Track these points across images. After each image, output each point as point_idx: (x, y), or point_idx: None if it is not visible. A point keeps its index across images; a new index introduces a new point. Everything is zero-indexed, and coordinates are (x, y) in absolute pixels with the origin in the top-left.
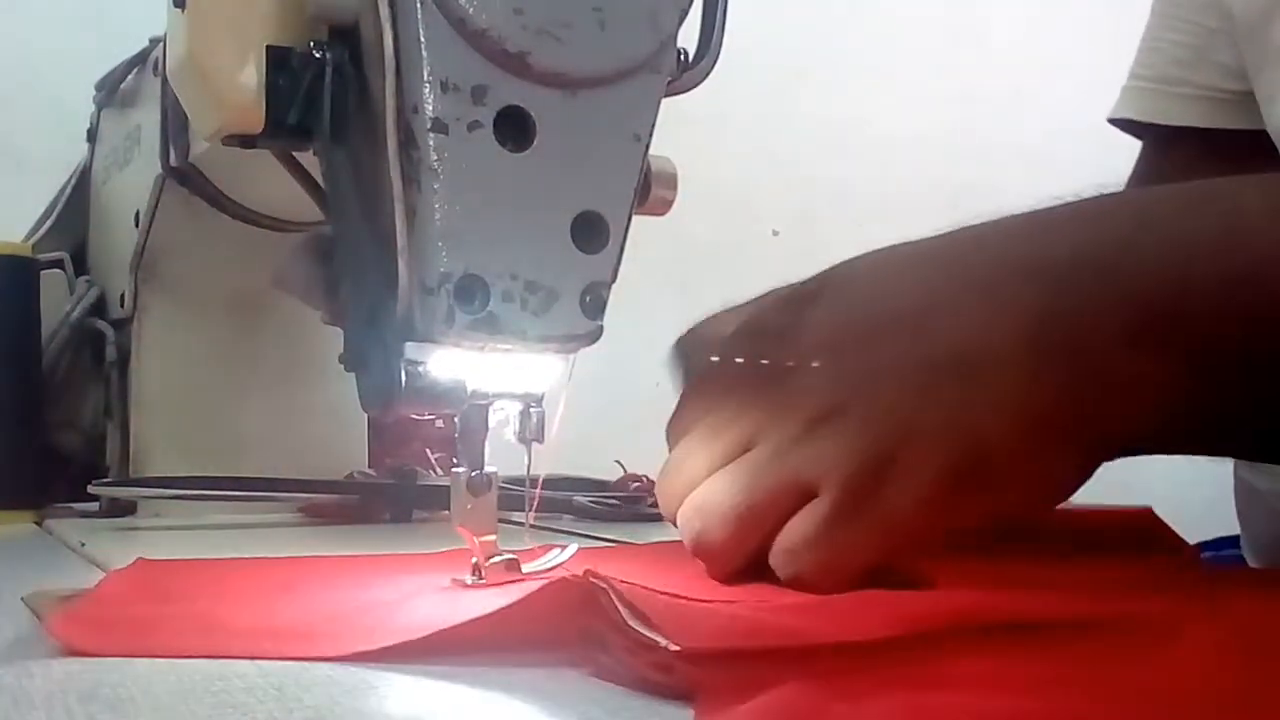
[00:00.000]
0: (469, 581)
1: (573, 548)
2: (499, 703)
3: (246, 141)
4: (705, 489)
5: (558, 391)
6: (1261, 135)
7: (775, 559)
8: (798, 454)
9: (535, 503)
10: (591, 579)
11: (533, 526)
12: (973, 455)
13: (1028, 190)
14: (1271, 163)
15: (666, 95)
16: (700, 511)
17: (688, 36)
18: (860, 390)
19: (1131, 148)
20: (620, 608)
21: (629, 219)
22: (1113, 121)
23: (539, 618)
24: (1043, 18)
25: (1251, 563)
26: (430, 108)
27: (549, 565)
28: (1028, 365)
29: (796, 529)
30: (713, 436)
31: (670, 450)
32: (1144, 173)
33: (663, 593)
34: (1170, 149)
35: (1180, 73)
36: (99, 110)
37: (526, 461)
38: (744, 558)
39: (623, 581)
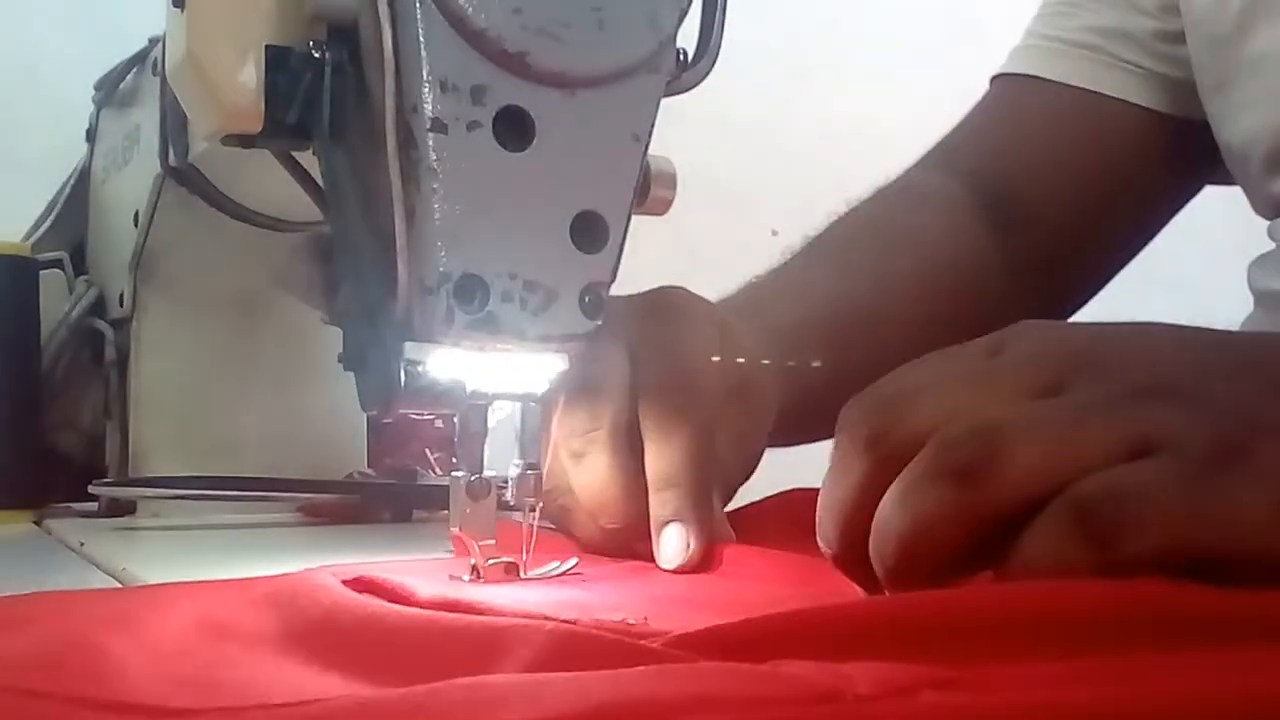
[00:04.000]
0: (466, 580)
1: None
2: None
3: (246, 141)
4: (1012, 412)
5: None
6: (1161, 117)
7: (1091, 495)
8: (1135, 410)
9: (532, 544)
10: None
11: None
12: None
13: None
14: (1163, 149)
15: (666, 95)
16: (1001, 433)
17: (687, 36)
18: (1189, 379)
19: None
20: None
21: (628, 219)
22: (998, 77)
23: None
24: None
25: None
26: (429, 107)
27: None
28: None
29: (1134, 477)
30: (996, 374)
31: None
32: (1000, 125)
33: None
34: (1048, 109)
35: (1099, 40)
36: (98, 110)
37: (525, 518)
38: (1044, 491)
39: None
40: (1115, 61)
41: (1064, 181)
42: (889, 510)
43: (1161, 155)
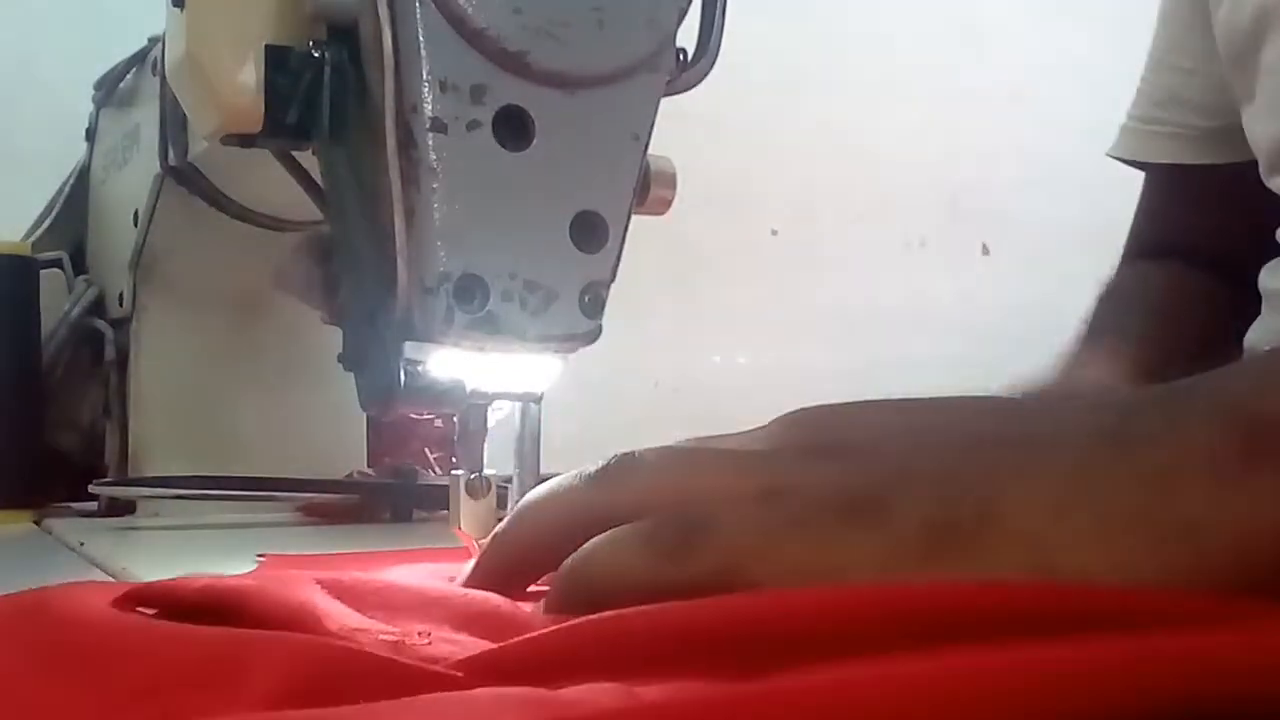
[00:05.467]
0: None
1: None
2: None
3: (245, 141)
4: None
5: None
6: (1231, 169)
7: (667, 523)
8: (782, 464)
9: None
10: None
11: None
12: (968, 517)
13: (1027, 190)
14: (1240, 196)
15: (665, 95)
16: (640, 455)
17: (686, 36)
18: (882, 439)
19: None
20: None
21: (628, 218)
22: (1115, 157)
23: None
24: (1042, 18)
25: None
26: (429, 107)
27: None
28: (1089, 449)
29: (736, 509)
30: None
31: None
32: (1147, 207)
33: None
34: (1158, 183)
35: (1158, 112)
36: (98, 109)
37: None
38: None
39: None
40: (1168, 130)
41: (1239, 239)
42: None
43: (1244, 199)
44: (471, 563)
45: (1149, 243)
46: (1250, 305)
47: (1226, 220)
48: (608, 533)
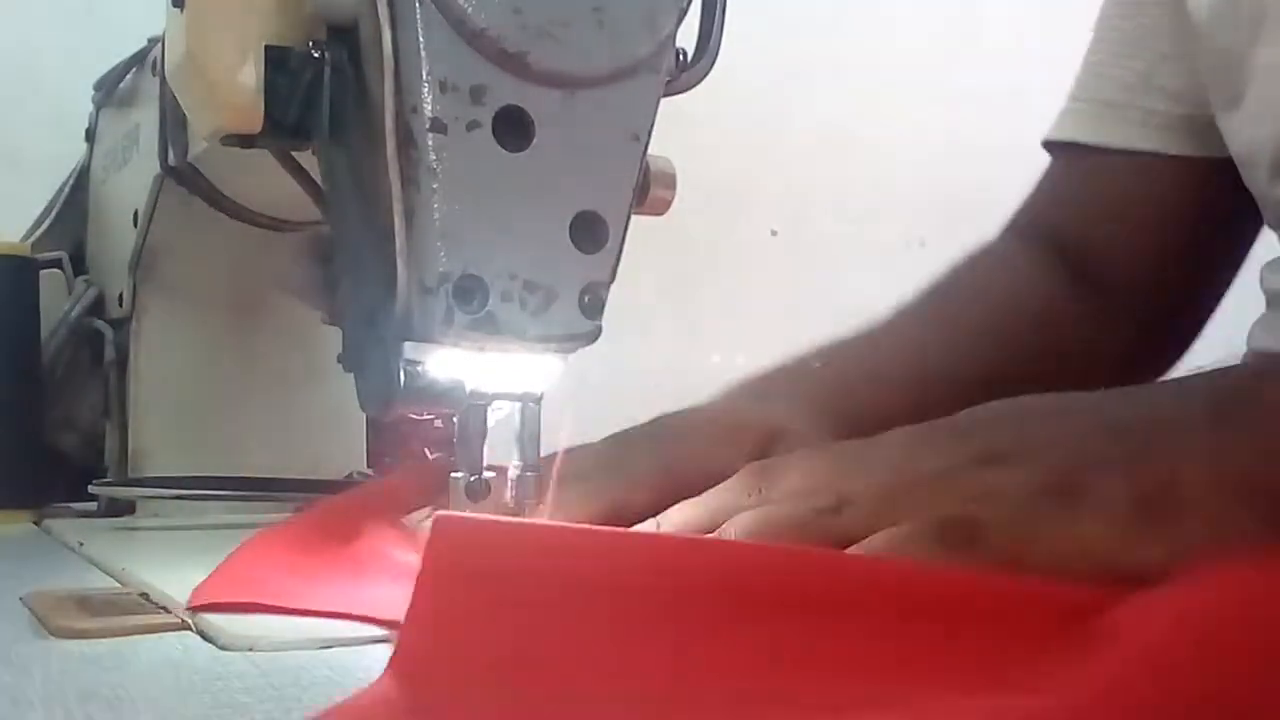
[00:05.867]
0: None
1: None
2: None
3: (245, 141)
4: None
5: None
6: (1200, 161)
7: (946, 522)
8: (965, 474)
9: None
10: None
11: None
12: (1165, 488)
13: (1026, 191)
14: (1213, 189)
15: (665, 95)
16: (843, 489)
17: (686, 36)
18: (1035, 435)
19: None
20: None
21: (628, 219)
22: (1048, 144)
23: None
24: (1042, 18)
25: None
26: (429, 108)
27: None
28: (1216, 432)
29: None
30: (864, 457)
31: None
32: (1062, 192)
33: None
34: (1102, 173)
35: (1127, 97)
36: (97, 110)
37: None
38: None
39: None
40: (1147, 116)
41: (1127, 241)
42: (743, 515)
43: (1207, 193)
44: None
45: (1042, 225)
46: (1110, 315)
47: (1158, 219)
48: (882, 535)
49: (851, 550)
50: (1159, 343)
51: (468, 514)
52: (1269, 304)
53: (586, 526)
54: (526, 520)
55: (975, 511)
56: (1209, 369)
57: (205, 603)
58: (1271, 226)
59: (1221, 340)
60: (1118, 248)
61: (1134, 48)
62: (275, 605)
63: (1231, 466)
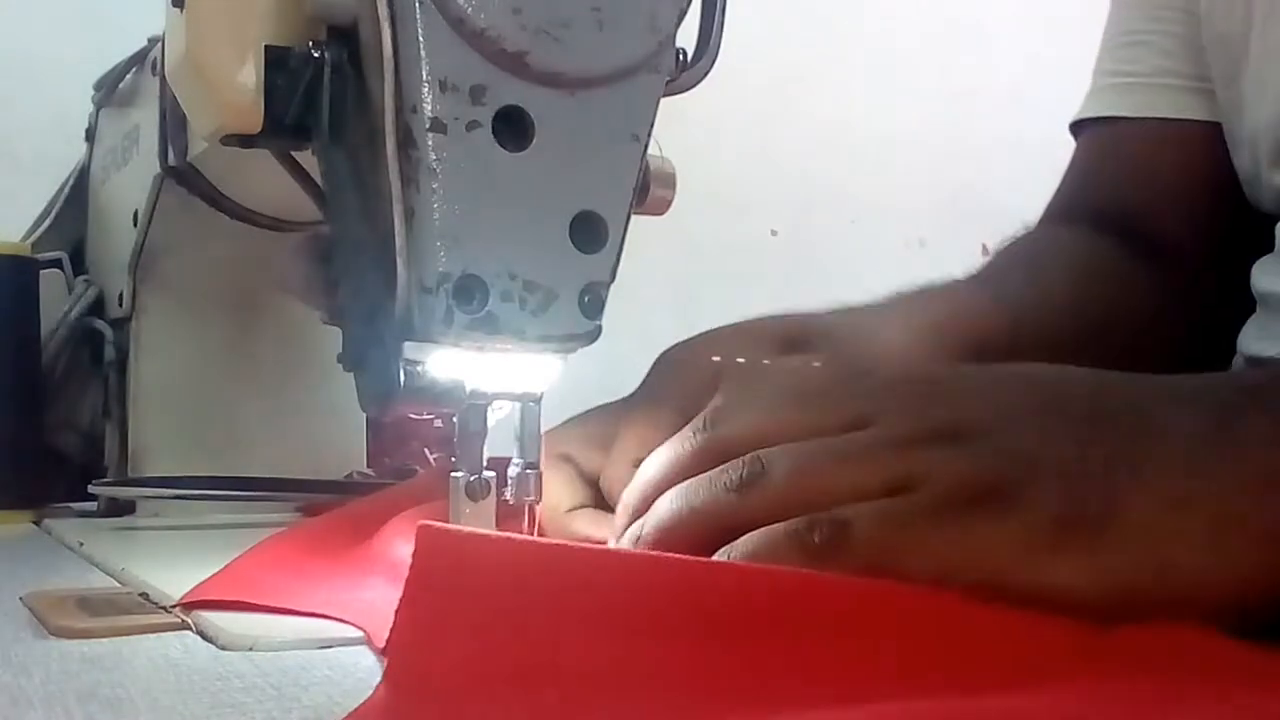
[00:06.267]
0: None
1: None
2: None
3: (245, 141)
4: (789, 444)
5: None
6: (1214, 130)
7: (815, 520)
8: (911, 451)
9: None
10: None
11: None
12: (1094, 510)
13: (1027, 190)
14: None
15: (665, 95)
16: (777, 460)
17: (686, 36)
18: (985, 421)
19: None
20: None
21: (628, 219)
22: (1078, 125)
23: None
24: (1042, 18)
25: None
26: (429, 107)
27: None
28: (1191, 452)
29: (865, 509)
30: (810, 404)
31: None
32: (1099, 172)
33: None
34: (1138, 142)
35: (1167, 64)
36: (97, 110)
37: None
38: (793, 513)
39: None
40: (1189, 85)
41: (1177, 209)
42: (683, 488)
43: (1215, 164)
44: None
45: (1080, 208)
46: (1170, 280)
47: (1189, 186)
48: (755, 536)
49: (717, 555)
50: (1206, 300)
51: (451, 527)
52: (1260, 305)
53: (565, 543)
54: (508, 535)
55: (852, 511)
56: (1208, 375)
57: (195, 600)
58: (1269, 210)
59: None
60: (1158, 218)
61: (1152, 24)
62: (265, 604)
63: (1182, 490)
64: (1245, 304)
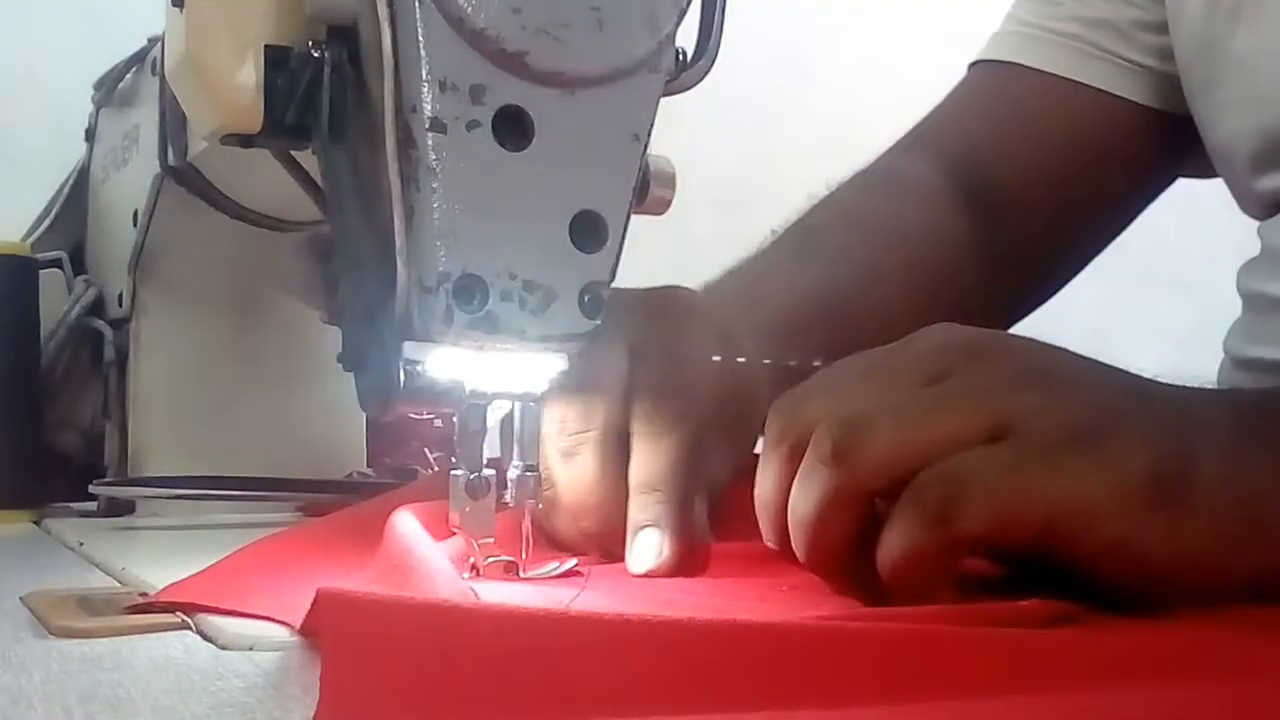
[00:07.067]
0: (466, 578)
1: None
2: None
3: (245, 141)
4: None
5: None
6: (1141, 110)
7: (928, 479)
8: (1002, 396)
9: (530, 547)
10: None
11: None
12: (1179, 467)
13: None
14: (1137, 142)
15: (665, 94)
16: (866, 420)
17: (686, 36)
18: (1065, 371)
19: None
20: None
21: (627, 218)
22: (980, 62)
23: None
24: None
25: None
26: (429, 107)
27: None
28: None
29: (971, 459)
30: (886, 368)
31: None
32: (979, 109)
33: None
34: (1028, 95)
35: (1083, 30)
36: (97, 109)
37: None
38: (902, 472)
39: None
40: (1097, 52)
41: (1041, 171)
42: (792, 499)
43: (1138, 147)
44: None
45: (949, 142)
46: (1001, 236)
47: (1058, 149)
48: (887, 536)
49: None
50: (1032, 283)
51: (350, 590)
52: (1246, 307)
53: (471, 604)
54: (405, 596)
55: (964, 465)
56: (1221, 389)
57: (168, 600)
58: (1251, 216)
59: (1201, 343)
60: (1019, 175)
61: None
62: (230, 608)
63: (1243, 469)
64: (1050, 288)
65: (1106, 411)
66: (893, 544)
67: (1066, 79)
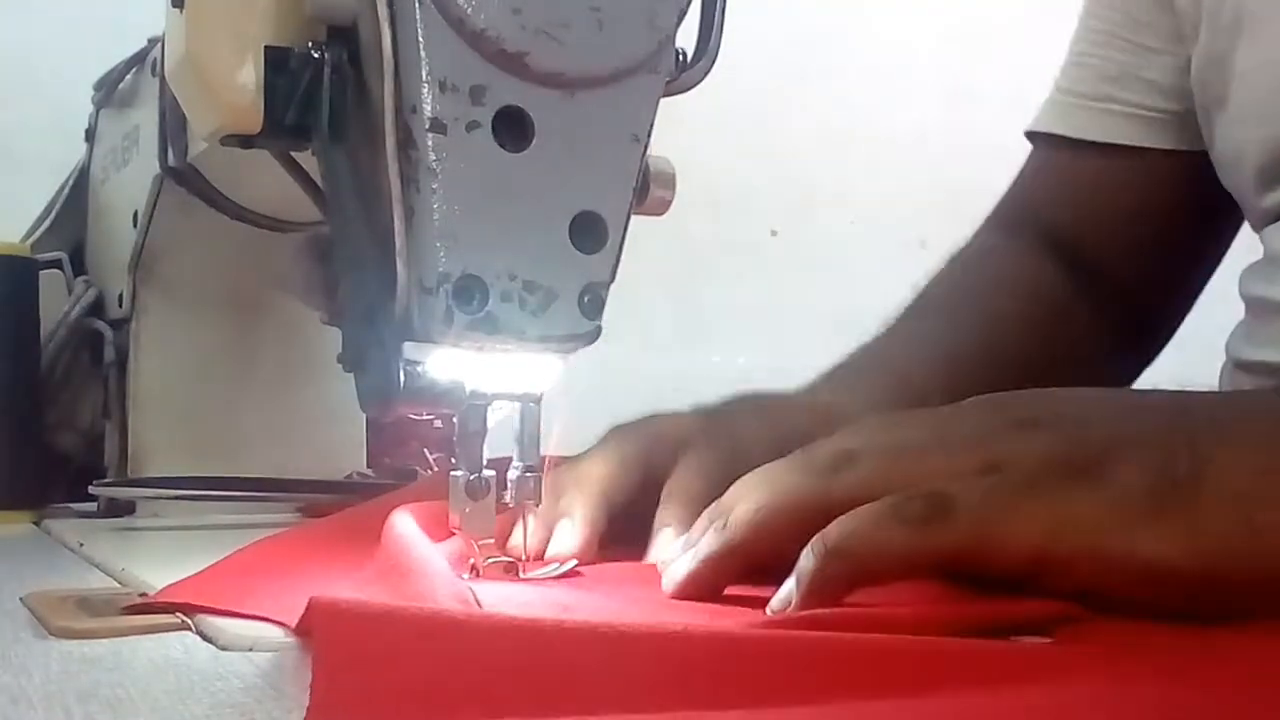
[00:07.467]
0: (466, 579)
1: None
2: None
3: (245, 141)
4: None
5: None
6: (1185, 155)
7: (911, 493)
8: (997, 440)
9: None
10: None
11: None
12: (1178, 479)
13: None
14: (1197, 184)
15: (665, 95)
16: (864, 449)
17: (686, 36)
18: (1062, 414)
19: None
20: None
21: (628, 219)
22: (1031, 135)
23: None
24: (1043, 18)
25: None
26: (429, 108)
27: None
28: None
29: (960, 484)
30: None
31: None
32: (1046, 184)
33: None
34: (1084, 165)
35: (1107, 89)
36: (97, 110)
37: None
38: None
39: None
40: (1127, 109)
41: (1114, 231)
42: (756, 487)
43: (1191, 188)
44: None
45: (1028, 217)
46: (1107, 308)
47: (1136, 211)
48: (858, 511)
49: (816, 539)
50: (1143, 333)
51: (345, 599)
52: (1248, 310)
53: (463, 613)
54: (398, 605)
55: (949, 487)
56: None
57: (168, 601)
58: (1255, 228)
59: (1202, 346)
60: (1102, 239)
61: (1117, 39)
62: (230, 610)
63: (1267, 458)
64: (1162, 337)
65: (1105, 442)
66: (854, 522)
67: (1104, 143)
